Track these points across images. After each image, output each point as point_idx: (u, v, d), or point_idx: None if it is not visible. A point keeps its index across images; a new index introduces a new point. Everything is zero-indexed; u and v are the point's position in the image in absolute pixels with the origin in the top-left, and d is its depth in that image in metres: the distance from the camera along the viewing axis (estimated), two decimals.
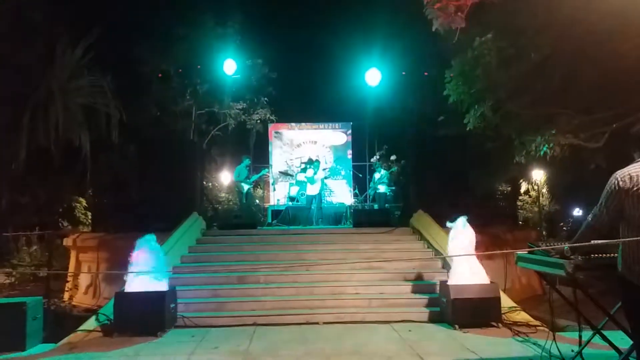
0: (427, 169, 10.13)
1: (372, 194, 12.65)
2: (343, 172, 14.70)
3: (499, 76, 7.37)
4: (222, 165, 15.88)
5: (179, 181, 9.74)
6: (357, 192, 13.47)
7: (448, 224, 6.18)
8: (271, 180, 13.80)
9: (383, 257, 7.91)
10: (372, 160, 13.50)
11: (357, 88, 12.66)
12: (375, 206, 12.18)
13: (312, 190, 11.40)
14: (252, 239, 8.97)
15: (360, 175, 13.93)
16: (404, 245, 8.54)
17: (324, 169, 13.17)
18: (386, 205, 11.84)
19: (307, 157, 13.90)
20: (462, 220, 6.07)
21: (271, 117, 14.02)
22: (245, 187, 11.61)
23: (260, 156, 14.81)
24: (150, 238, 6.05)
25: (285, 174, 14.31)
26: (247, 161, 11.78)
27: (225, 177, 16.00)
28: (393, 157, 12.60)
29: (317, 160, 12.13)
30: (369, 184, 13.00)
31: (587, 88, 6.82)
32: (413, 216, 9.46)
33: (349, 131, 14.85)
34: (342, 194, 14.34)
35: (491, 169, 10.92)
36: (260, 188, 15.90)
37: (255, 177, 12.21)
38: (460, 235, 6.02)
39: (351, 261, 7.68)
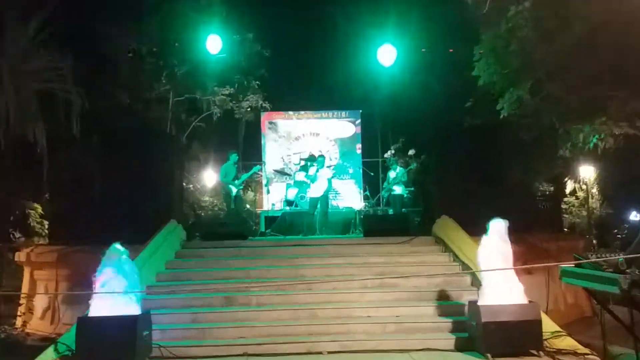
0: (452, 165, 10.00)
1: (386, 197, 12.58)
2: (351, 171, 14.57)
3: (538, 52, 7.36)
4: (206, 162, 15.74)
5: (153, 182, 9.68)
6: (369, 194, 13.37)
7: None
8: (264, 181, 13.84)
9: (399, 273, 7.87)
10: (385, 155, 13.48)
11: (368, 69, 12.51)
12: (390, 211, 12.10)
13: (315, 191, 11.37)
14: (242, 251, 8.95)
15: (372, 174, 13.81)
16: (425, 257, 8.55)
17: (329, 167, 12.99)
18: (403, 209, 11.72)
19: (308, 153, 13.81)
20: (498, 225, 6.03)
21: (264, 105, 14.07)
22: (234, 189, 11.58)
23: (251, 151, 14.76)
24: (120, 251, 6.02)
25: (281, 173, 14.21)
26: (234, 157, 11.71)
27: (209, 177, 15.87)
28: (411, 152, 12.53)
29: (321, 156, 12.03)
30: (383, 184, 12.93)
31: None
32: (436, 222, 9.44)
33: (358, 121, 14.68)
34: (350, 196, 14.27)
35: (530, 165, 10.93)
36: (252, 190, 15.85)
37: (245, 177, 12.15)
38: (494, 245, 5.97)
39: (361, 278, 7.65)
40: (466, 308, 6.49)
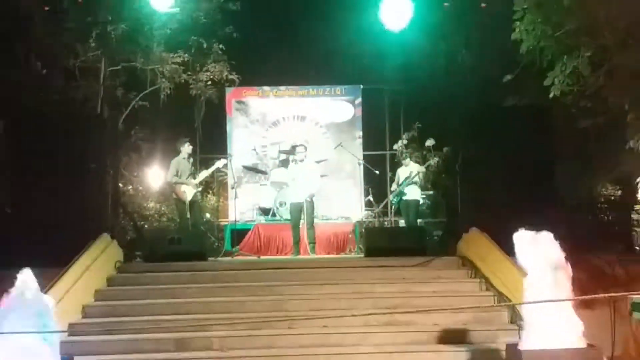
0: (486, 162, 10.05)
1: (396, 203, 12.34)
2: (349, 168, 14.11)
3: (605, 8, 7.33)
4: (151, 156, 15.16)
5: (78, 184, 9.58)
6: (372, 199, 13.08)
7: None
8: (231, 181, 13.23)
9: (414, 306, 7.65)
10: (395, 147, 13.19)
11: (372, 31, 12.23)
12: (402, 222, 12.03)
13: (299, 195, 11.33)
14: (201, 277, 8.73)
15: (377, 172, 13.28)
16: (448, 286, 8.49)
17: (319, 161, 12.83)
18: (419, 220, 11.66)
19: (291, 143, 13.50)
20: (544, 240, 5.84)
21: (230, 77, 13.51)
22: (188, 192, 11.29)
23: (212, 141, 14.31)
24: (27, 281, 5.77)
25: (253, 170, 13.98)
26: (188, 149, 11.50)
27: (155, 177, 15.15)
28: (430, 143, 12.41)
29: (300, 146, 12.12)
30: (391, 186, 12.63)
31: None
32: (463, 239, 9.47)
33: (359, 100, 14.17)
34: (347, 202, 13.87)
35: (590, 162, 10.96)
36: (213, 194, 15.29)
37: (203, 176, 11.89)
38: (542, 268, 5.79)
39: (363, 312, 7.52)
40: (503, 353, 6.29)
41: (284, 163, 13.20)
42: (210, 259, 10.17)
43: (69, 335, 6.88)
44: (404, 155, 12.26)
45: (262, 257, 11.21)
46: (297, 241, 11.29)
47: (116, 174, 11.32)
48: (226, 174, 13.57)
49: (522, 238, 5.96)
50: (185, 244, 9.77)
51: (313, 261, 10.14)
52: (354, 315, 7.50)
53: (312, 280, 8.69)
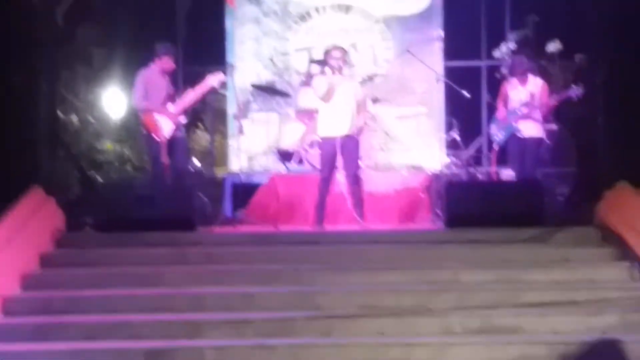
0: None
1: (501, 143, 6.68)
2: (421, 88, 7.90)
3: None
4: (107, 70, 8.19)
5: None
6: (459, 137, 7.25)
7: None
8: (232, 109, 7.63)
9: (525, 302, 4.16)
10: (497, 54, 7.22)
11: None
12: (508, 174, 6.52)
13: (335, 127, 5.89)
14: (187, 256, 4.88)
15: (468, 96, 7.08)
16: (580, 272, 4.75)
17: (371, 77, 7.39)
18: (535, 170, 6.44)
19: (330, 47, 6.75)
20: None
21: None
22: (164, 124, 6.12)
23: (202, 46, 7.93)
24: None
25: (269, 91, 7.84)
26: (161, 58, 6.10)
27: (113, 101, 8.27)
28: (553, 47, 6.79)
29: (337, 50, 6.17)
30: (492, 116, 6.93)
31: None
32: (605, 200, 5.32)
33: None
34: (417, 142, 7.82)
35: None
36: (205, 129, 8.95)
37: (188, 99, 6.32)
38: None
39: (441, 313, 4.12)
40: None
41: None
42: (200, 228, 5.56)
43: None
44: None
45: (282, 228, 5.91)
46: (330, 201, 6.02)
47: (53, 96, 6.50)
48: (225, 98, 7.62)
49: None
50: (162, 205, 5.34)
51: (361, 235, 5.59)
52: (429, 317, 4.11)
53: (360, 264, 4.91)
